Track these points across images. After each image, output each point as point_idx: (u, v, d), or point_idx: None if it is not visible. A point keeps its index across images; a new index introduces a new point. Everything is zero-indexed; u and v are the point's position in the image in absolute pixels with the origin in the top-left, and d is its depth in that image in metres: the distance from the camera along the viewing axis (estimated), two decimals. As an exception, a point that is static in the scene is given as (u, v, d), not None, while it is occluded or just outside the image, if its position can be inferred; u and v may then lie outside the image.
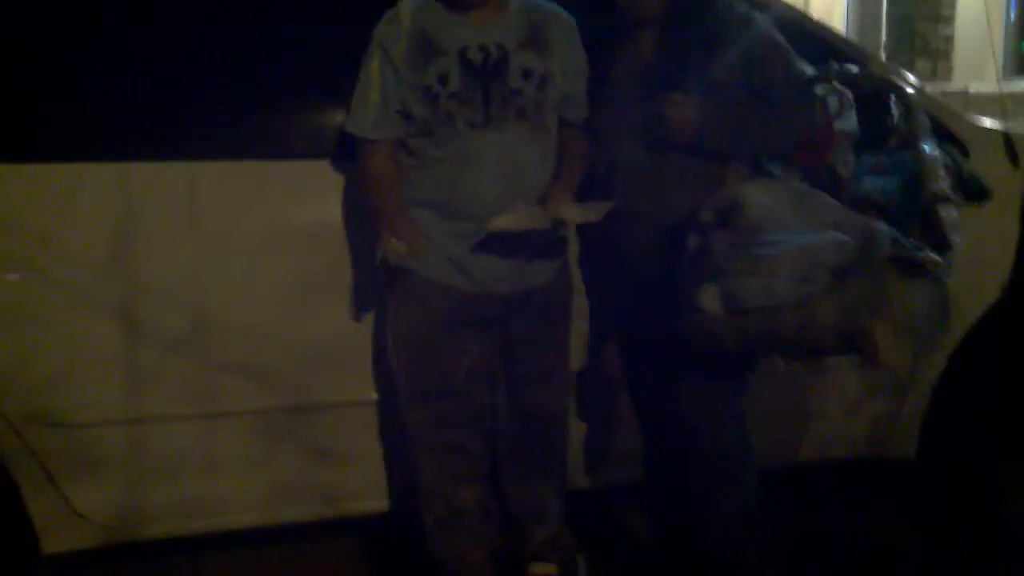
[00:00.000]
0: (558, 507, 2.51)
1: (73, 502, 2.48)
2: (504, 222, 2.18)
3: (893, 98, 2.47)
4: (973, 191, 2.51)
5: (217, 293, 2.48)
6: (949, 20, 9.80)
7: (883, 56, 10.20)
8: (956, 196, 2.34)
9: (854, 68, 2.49)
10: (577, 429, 2.67)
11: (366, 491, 2.67)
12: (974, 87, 8.99)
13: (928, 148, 2.31)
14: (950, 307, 2.22)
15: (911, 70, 9.56)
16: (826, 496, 3.08)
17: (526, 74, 2.26)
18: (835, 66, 2.45)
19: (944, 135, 2.80)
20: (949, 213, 2.24)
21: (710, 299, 2.16)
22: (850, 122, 2.41)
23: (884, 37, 10.43)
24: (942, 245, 2.20)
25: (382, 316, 2.46)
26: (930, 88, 8.99)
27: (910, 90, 2.42)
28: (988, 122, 3.11)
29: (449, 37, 2.24)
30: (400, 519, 2.61)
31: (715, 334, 2.16)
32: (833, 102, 2.38)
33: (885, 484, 3.13)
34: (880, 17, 10.55)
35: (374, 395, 2.59)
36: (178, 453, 2.53)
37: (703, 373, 2.32)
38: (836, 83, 2.40)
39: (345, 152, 2.41)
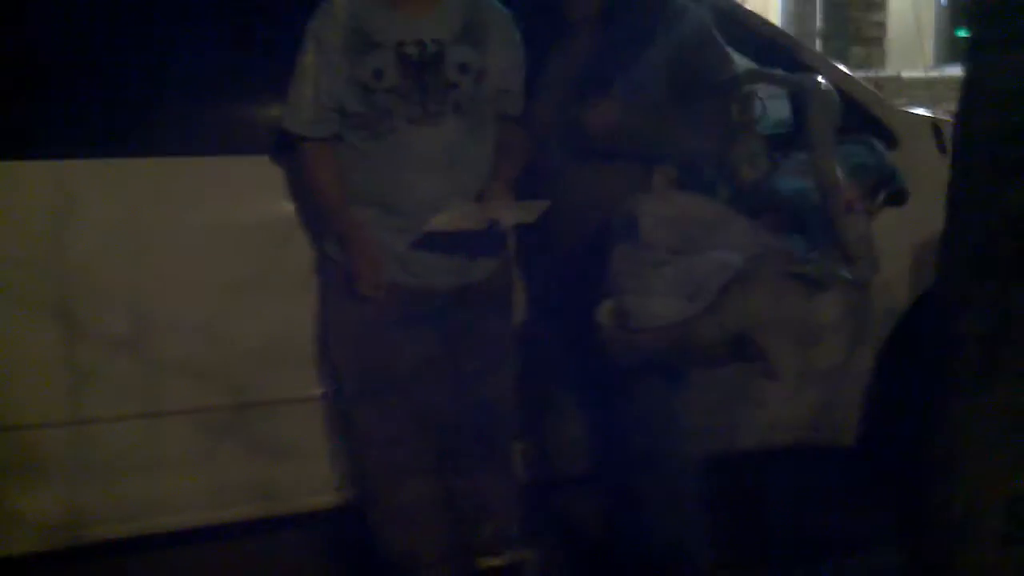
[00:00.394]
0: (506, 500, 2.53)
1: (12, 505, 2.44)
2: (440, 222, 2.19)
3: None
4: (894, 192, 2.48)
5: (157, 292, 2.46)
6: (881, 7, 9.98)
7: (818, 44, 10.37)
8: (870, 202, 2.34)
9: (773, 69, 2.52)
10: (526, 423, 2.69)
11: (314, 487, 2.66)
12: (906, 73, 9.17)
13: (829, 155, 2.28)
14: (869, 309, 2.24)
15: (846, 57, 9.74)
16: (768, 483, 3.14)
17: (462, 68, 2.26)
18: (751, 68, 2.48)
19: (873, 125, 2.86)
20: (855, 224, 2.23)
21: (605, 315, 2.20)
22: (763, 124, 2.44)
23: (819, 24, 10.58)
24: (850, 257, 2.22)
25: (325, 311, 2.46)
26: (863, 75, 9.17)
27: (825, 86, 2.37)
28: (917, 110, 3.19)
29: (385, 30, 2.23)
30: (349, 515, 2.61)
31: (610, 348, 2.20)
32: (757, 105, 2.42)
33: (826, 471, 3.20)
34: (815, 5, 10.70)
35: (319, 391, 2.59)
36: (121, 454, 2.50)
37: (632, 374, 2.34)
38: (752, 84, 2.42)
39: (284, 147, 2.39)
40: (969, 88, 1.87)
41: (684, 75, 2.29)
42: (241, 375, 2.52)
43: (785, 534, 2.88)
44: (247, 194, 2.55)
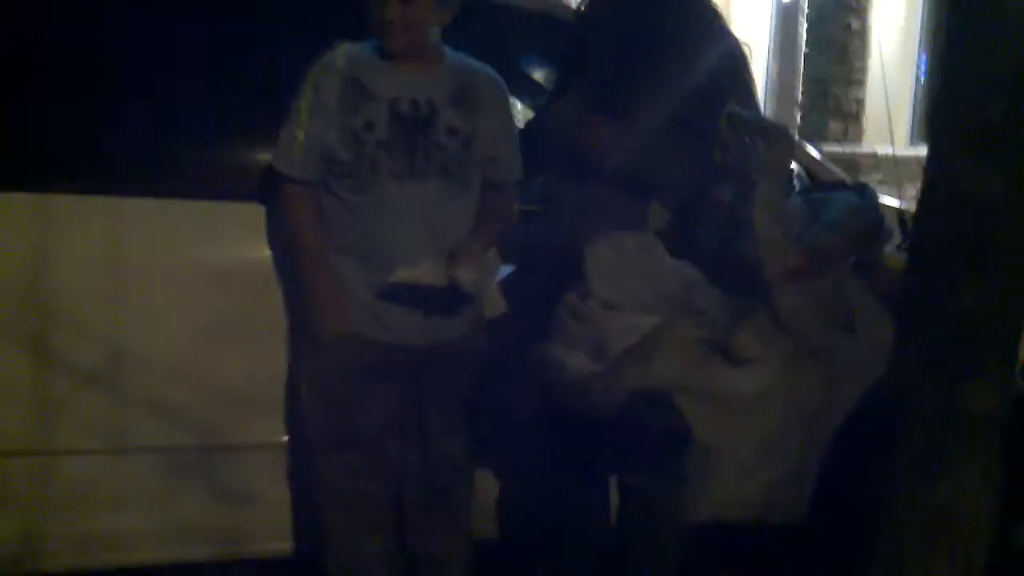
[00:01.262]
0: (463, 557, 2.55)
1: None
2: (404, 274, 2.24)
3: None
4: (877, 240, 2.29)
5: (130, 328, 2.48)
6: (861, 83, 10.17)
7: (797, 117, 10.54)
8: (867, 251, 2.22)
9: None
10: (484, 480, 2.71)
11: (272, 533, 2.67)
12: (882, 150, 9.34)
13: (768, 216, 2.09)
14: (815, 381, 2.11)
15: (824, 132, 9.90)
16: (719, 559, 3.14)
17: (452, 131, 2.32)
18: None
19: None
20: (792, 293, 2.06)
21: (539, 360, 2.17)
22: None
23: (799, 98, 10.76)
24: (784, 327, 2.07)
25: (296, 359, 2.49)
26: (841, 150, 9.26)
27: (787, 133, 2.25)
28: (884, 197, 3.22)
29: (382, 85, 2.29)
30: (305, 564, 2.61)
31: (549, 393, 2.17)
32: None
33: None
34: (798, 78, 10.90)
35: (284, 438, 2.61)
36: (83, 487, 2.51)
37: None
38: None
39: (268, 192, 2.45)
40: (927, 191, 1.90)
41: (709, 105, 2.15)
42: (209, 417, 2.54)
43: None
44: (226, 238, 2.59)
